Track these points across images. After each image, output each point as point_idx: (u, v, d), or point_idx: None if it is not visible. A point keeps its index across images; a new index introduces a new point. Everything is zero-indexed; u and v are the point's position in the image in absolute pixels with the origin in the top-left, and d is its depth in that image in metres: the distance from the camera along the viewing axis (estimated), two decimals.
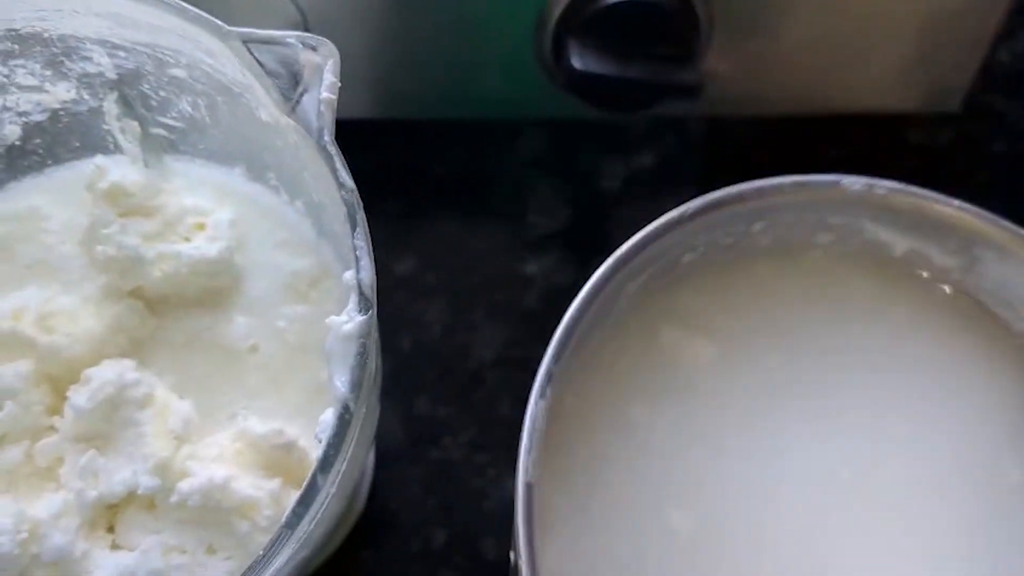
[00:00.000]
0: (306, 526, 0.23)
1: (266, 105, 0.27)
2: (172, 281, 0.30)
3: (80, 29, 0.28)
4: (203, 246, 0.30)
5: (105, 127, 0.31)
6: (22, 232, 0.31)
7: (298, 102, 0.25)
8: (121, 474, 0.27)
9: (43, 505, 0.27)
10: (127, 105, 0.30)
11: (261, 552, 0.23)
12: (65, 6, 0.27)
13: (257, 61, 0.25)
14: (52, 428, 0.29)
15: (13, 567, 0.26)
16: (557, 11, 0.40)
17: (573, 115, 0.45)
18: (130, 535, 0.28)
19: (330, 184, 0.25)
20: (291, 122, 0.26)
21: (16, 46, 0.28)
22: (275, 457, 0.29)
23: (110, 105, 0.30)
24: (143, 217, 0.31)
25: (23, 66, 0.29)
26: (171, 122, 0.31)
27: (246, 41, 0.25)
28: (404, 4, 0.38)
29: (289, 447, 0.28)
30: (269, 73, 0.25)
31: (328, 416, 0.25)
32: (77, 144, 0.32)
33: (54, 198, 0.32)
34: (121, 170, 0.31)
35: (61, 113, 0.31)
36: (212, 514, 0.27)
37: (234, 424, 0.29)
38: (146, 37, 0.28)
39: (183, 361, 0.30)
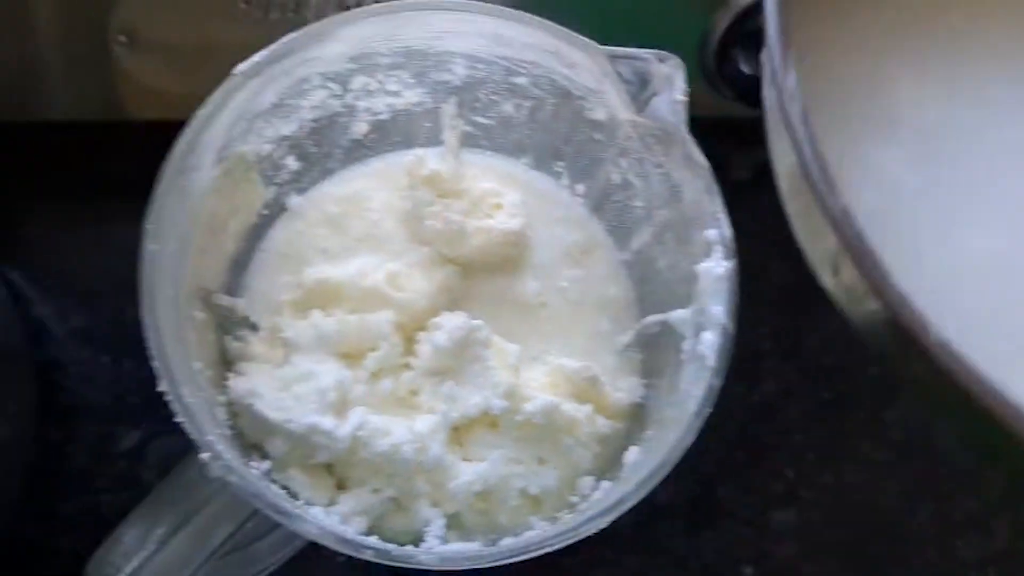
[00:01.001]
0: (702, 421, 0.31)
1: (609, 106, 0.34)
2: (483, 250, 0.38)
3: (459, 46, 0.35)
4: (507, 221, 0.38)
5: (427, 124, 0.38)
6: (352, 211, 0.38)
7: (647, 103, 0.33)
8: (474, 399, 0.35)
9: (421, 423, 0.34)
10: (459, 107, 0.37)
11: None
12: (459, 28, 0.34)
13: (616, 72, 0.33)
14: (407, 366, 0.36)
15: (407, 470, 0.33)
16: (721, 28, 0.48)
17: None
18: (476, 449, 0.35)
19: (678, 165, 0.33)
20: (632, 119, 0.33)
21: (403, 60, 0.35)
22: (582, 388, 0.36)
23: (449, 107, 0.37)
24: (454, 199, 0.38)
25: (396, 76, 0.36)
26: (484, 120, 0.38)
27: (611, 56, 0.33)
28: None
29: (594, 380, 0.36)
30: (624, 81, 0.33)
31: (710, 336, 0.32)
32: (398, 139, 0.39)
33: (370, 183, 0.39)
34: (434, 160, 0.38)
35: (401, 113, 0.38)
36: (546, 431, 0.35)
37: (541, 362, 0.37)
38: (510, 52, 0.35)
39: (492, 315, 0.37)
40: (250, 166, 0.34)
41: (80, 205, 0.53)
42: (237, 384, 0.33)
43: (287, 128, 0.35)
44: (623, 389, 0.37)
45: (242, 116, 0.31)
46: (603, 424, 0.35)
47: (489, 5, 0.33)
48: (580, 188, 0.40)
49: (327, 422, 0.31)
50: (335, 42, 0.33)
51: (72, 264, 0.51)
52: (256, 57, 0.31)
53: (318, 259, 0.37)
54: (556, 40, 0.33)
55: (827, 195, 0.21)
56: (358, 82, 0.36)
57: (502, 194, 0.38)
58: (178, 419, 0.27)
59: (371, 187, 0.39)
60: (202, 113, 0.30)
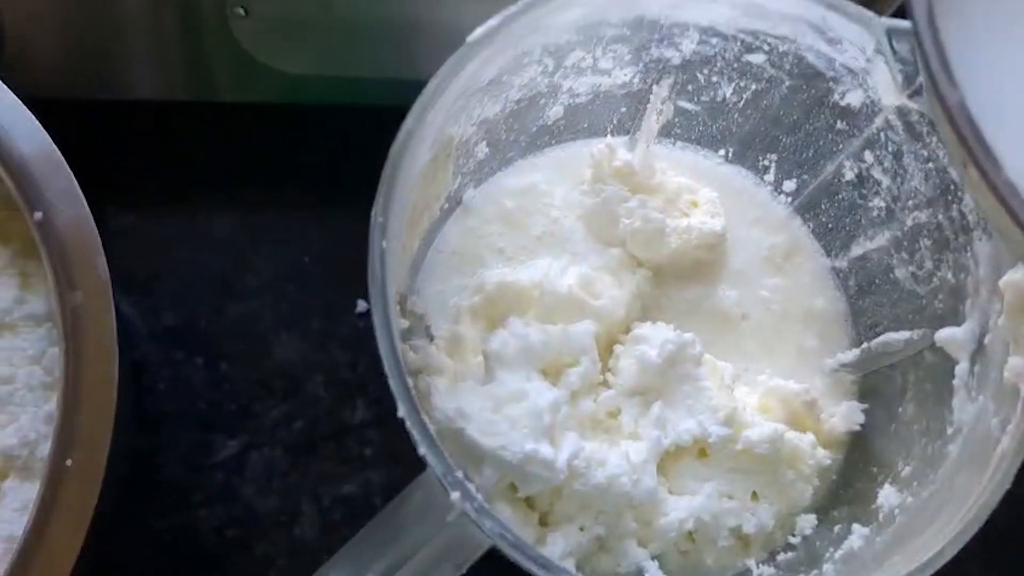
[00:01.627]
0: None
1: (870, 89, 0.30)
2: (677, 253, 0.33)
3: (699, 17, 0.31)
4: (708, 221, 0.34)
5: (623, 110, 0.34)
6: (530, 206, 0.34)
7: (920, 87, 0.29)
8: (687, 423, 0.31)
9: (635, 452, 0.30)
10: (671, 89, 0.33)
11: None
12: None
13: (892, 50, 0.28)
14: (604, 383, 0.32)
15: (619, 505, 0.29)
16: None
17: None
18: (682, 481, 0.31)
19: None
20: (904, 104, 0.29)
21: (629, 32, 0.31)
22: (798, 413, 0.32)
23: (661, 89, 0.33)
24: (647, 194, 0.34)
25: (614, 52, 0.32)
26: (689, 107, 0.34)
27: (891, 31, 0.28)
28: None
29: (812, 404, 0.32)
30: (899, 60, 0.28)
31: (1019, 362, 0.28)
32: (584, 125, 0.35)
33: (547, 176, 0.35)
34: (624, 150, 0.34)
35: (601, 96, 0.33)
36: (766, 463, 0.31)
37: (750, 383, 0.33)
38: (761, 25, 0.31)
39: (687, 327, 0.33)
40: (451, 153, 0.30)
41: (166, 193, 0.49)
42: (443, 403, 0.28)
43: (493, 109, 0.30)
44: (839, 414, 0.32)
45: (463, 92, 0.27)
46: (823, 455, 0.31)
47: None
48: (789, 185, 0.35)
49: (546, 450, 0.27)
50: (573, 6, 0.29)
51: (160, 257, 0.47)
52: (491, 21, 0.27)
53: (494, 259, 0.33)
54: (826, 11, 0.29)
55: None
56: (573, 57, 0.31)
57: (697, 190, 0.34)
58: (421, 451, 0.23)
59: (550, 179, 0.35)
60: (431, 87, 0.25)
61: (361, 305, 0.47)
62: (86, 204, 0.34)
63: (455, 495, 0.22)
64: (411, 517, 0.24)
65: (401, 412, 0.22)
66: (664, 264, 0.33)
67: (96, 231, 0.34)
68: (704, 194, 0.34)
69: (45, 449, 0.36)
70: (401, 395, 0.22)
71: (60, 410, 0.32)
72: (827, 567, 0.28)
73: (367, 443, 0.46)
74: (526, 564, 0.22)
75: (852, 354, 0.33)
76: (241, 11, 0.40)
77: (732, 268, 0.34)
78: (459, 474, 0.23)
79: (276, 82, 0.45)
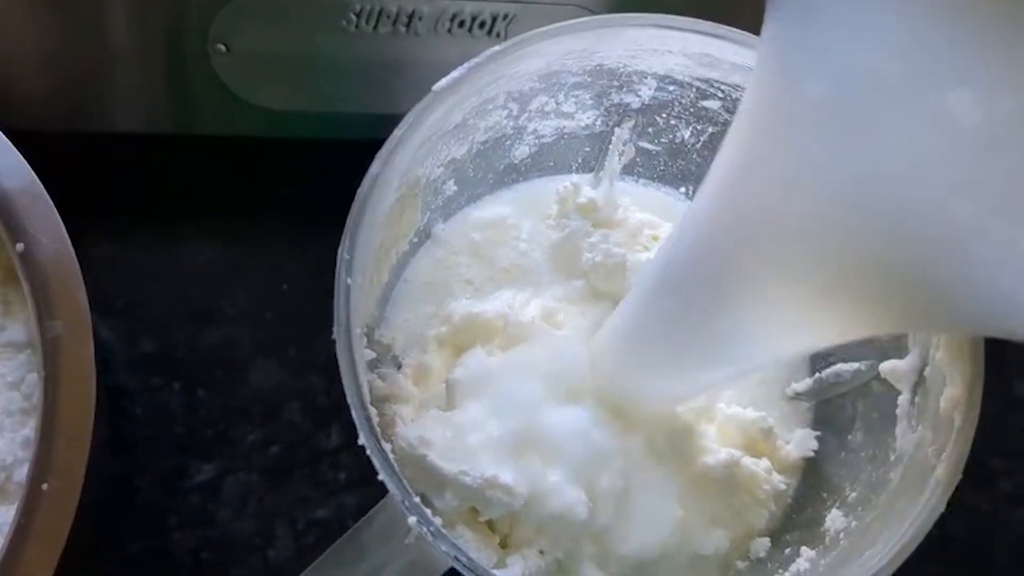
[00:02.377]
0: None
1: None
2: None
3: (655, 66, 0.32)
4: None
5: (586, 149, 0.35)
6: (497, 238, 0.35)
7: None
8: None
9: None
10: (632, 131, 0.35)
11: None
12: (662, 47, 0.31)
13: None
14: None
15: (575, 532, 0.30)
16: None
17: None
18: (643, 505, 0.32)
19: None
20: None
21: (590, 79, 0.32)
22: (754, 440, 0.33)
23: (623, 131, 0.34)
24: (610, 229, 0.35)
25: (576, 97, 0.33)
26: (650, 147, 0.35)
27: None
28: None
29: (768, 432, 0.33)
30: None
31: (953, 392, 0.29)
32: (550, 164, 0.36)
33: (515, 210, 0.36)
34: (589, 187, 0.35)
35: (565, 137, 0.35)
36: (723, 487, 0.32)
37: (710, 412, 0.34)
38: (714, 74, 0.32)
39: None
40: (418, 192, 0.31)
41: (147, 223, 0.50)
42: (406, 432, 0.29)
43: (460, 150, 0.32)
44: (793, 441, 0.34)
45: (430, 137, 0.28)
46: (778, 480, 0.32)
47: (705, 23, 0.30)
48: None
49: (506, 476, 0.28)
50: (533, 57, 0.30)
51: (140, 286, 0.48)
52: (455, 73, 0.28)
53: (462, 290, 0.34)
54: None
55: None
56: (537, 102, 0.33)
57: (659, 225, 0.36)
58: (381, 477, 0.24)
59: (517, 213, 0.36)
60: (397, 133, 0.27)
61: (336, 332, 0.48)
62: (67, 237, 0.35)
63: (412, 519, 0.24)
64: (374, 539, 0.25)
65: (362, 440, 0.23)
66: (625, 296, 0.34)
67: (76, 263, 0.35)
68: (665, 229, 0.35)
69: (22, 473, 0.36)
70: (362, 425, 0.23)
71: (37, 435, 0.33)
72: None
73: (341, 467, 0.46)
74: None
75: (806, 383, 0.34)
76: (222, 47, 0.42)
77: None
78: (416, 499, 0.24)
79: (256, 117, 0.46)
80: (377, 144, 0.49)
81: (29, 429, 0.37)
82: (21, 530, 0.32)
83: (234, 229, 0.49)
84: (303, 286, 0.49)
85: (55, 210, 0.35)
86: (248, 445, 0.46)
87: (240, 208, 0.50)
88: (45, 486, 0.32)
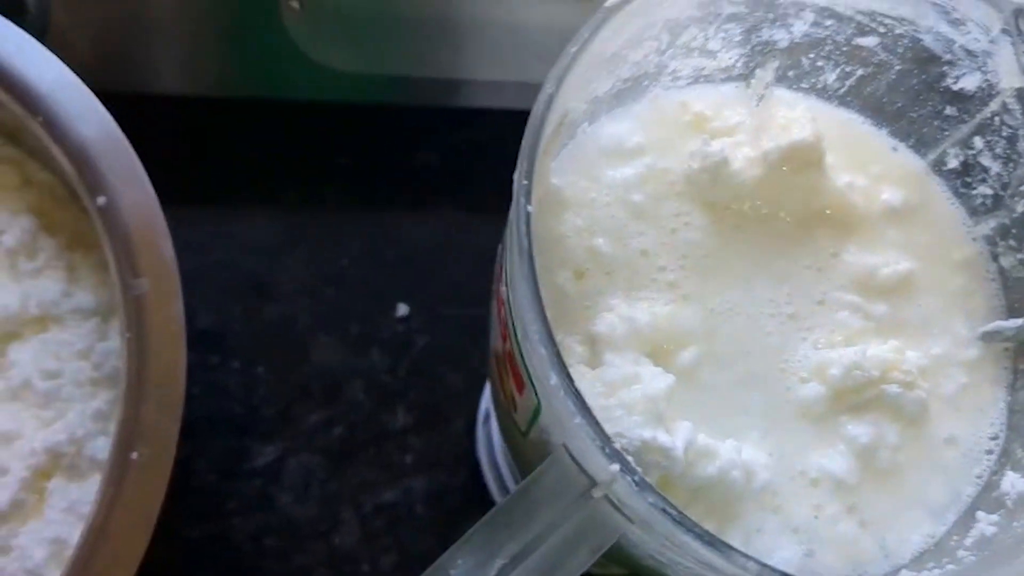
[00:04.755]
0: None
1: (989, 72, 0.29)
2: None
3: None
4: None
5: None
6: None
7: None
8: None
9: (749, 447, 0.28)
10: (774, 73, 0.32)
11: None
12: None
13: (1019, 29, 0.28)
14: None
15: (728, 497, 0.28)
16: None
17: None
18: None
19: None
20: (1019, 85, 0.29)
21: (746, 10, 0.30)
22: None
23: (765, 73, 0.32)
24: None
25: (726, 31, 0.31)
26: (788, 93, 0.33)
27: (1019, 10, 0.28)
28: None
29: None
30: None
31: None
32: None
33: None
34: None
35: (700, 80, 0.32)
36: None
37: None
38: (879, 5, 0.30)
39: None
40: (560, 131, 0.29)
41: (202, 192, 0.47)
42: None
43: (603, 86, 0.29)
44: None
45: (591, 63, 0.26)
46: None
47: None
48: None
49: (663, 437, 0.26)
50: None
51: (195, 259, 0.46)
52: None
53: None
54: None
55: None
56: (687, 35, 0.30)
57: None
58: (576, 421, 0.21)
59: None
60: (571, 50, 0.24)
61: (401, 309, 0.46)
62: (151, 187, 0.33)
63: (614, 467, 0.21)
64: (544, 497, 0.22)
65: (553, 382, 0.21)
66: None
67: (162, 214, 0.32)
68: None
69: (93, 447, 0.34)
70: (554, 364, 0.21)
71: (124, 402, 0.31)
72: (961, 554, 0.27)
73: (408, 449, 0.44)
74: (691, 543, 0.21)
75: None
76: (296, 4, 0.40)
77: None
78: (616, 445, 0.22)
79: (324, 79, 0.44)
80: (450, 112, 0.47)
81: (100, 401, 0.35)
82: (108, 502, 0.30)
83: (293, 199, 0.47)
84: (365, 260, 0.47)
85: (138, 161, 0.33)
86: (310, 426, 0.44)
87: (298, 178, 0.48)
88: (135, 455, 0.30)
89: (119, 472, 0.30)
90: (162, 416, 0.31)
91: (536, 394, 0.23)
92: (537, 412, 0.23)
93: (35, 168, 0.38)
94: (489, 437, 0.42)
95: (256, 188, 0.47)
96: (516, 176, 0.21)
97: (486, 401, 0.43)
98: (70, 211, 0.37)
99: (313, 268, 0.46)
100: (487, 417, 0.42)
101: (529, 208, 0.22)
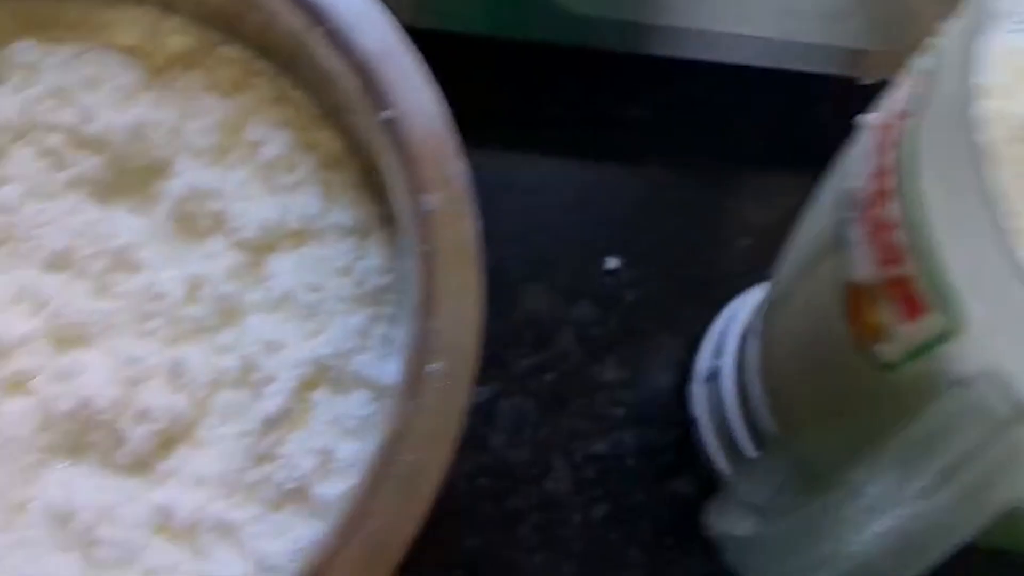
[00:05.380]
0: None
1: None
2: None
3: None
4: None
5: None
6: None
7: None
8: None
9: None
10: None
11: None
12: None
13: None
14: None
15: None
16: None
17: None
18: None
19: None
20: None
21: None
22: None
23: None
24: None
25: None
26: None
27: None
28: None
29: None
30: None
31: None
32: None
33: None
34: None
35: None
36: None
37: None
38: None
39: None
40: None
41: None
42: None
43: None
44: None
45: None
46: None
47: None
48: None
49: None
50: None
51: None
52: None
53: None
54: None
55: None
56: None
57: None
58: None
59: None
60: None
61: (610, 262, 0.45)
62: (442, 102, 0.32)
63: None
64: (962, 423, 0.21)
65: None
66: None
67: (452, 131, 0.32)
68: None
69: (357, 362, 0.34)
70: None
71: (415, 316, 0.30)
72: None
73: (618, 403, 0.44)
74: None
75: None
76: None
77: None
78: None
79: (553, 20, 0.43)
80: (666, 63, 0.46)
81: (361, 317, 0.34)
82: (407, 414, 0.29)
83: (507, 141, 0.47)
84: (577, 210, 0.46)
85: (426, 75, 0.32)
86: (522, 370, 0.43)
87: (516, 122, 0.47)
88: (432, 367, 0.29)
89: (415, 385, 0.29)
90: (458, 331, 0.30)
91: (948, 314, 0.22)
92: (941, 339, 0.22)
93: (287, 84, 0.37)
94: (717, 395, 0.41)
95: (471, 131, 0.47)
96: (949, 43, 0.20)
97: (706, 359, 0.42)
98: (324, 130, 0.37)
99: (524, 215, 0.46)
100: (711, 375, 0.41)
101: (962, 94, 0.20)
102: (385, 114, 0.32)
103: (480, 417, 0.42)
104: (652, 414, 0.43)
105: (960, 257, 0.21)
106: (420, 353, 0.30)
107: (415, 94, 0.32)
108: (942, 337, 0.22)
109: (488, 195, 0.46)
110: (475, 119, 0.47)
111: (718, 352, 0.40)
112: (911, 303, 0.23)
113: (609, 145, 0.47)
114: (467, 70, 0.47)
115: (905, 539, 0.20)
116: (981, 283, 0.21)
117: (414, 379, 0.29)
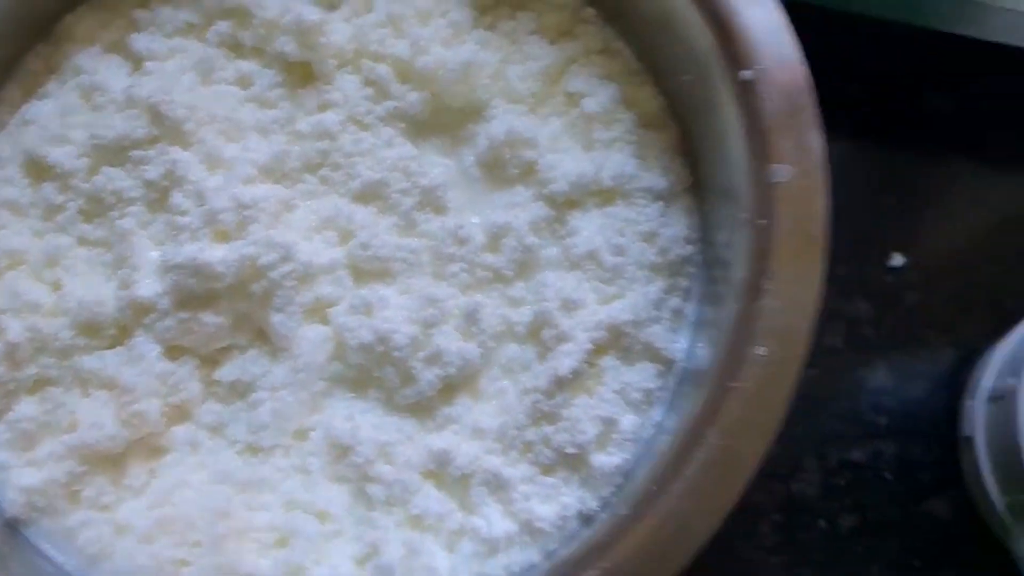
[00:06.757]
0: None
1: None
2: None
3: None
4: None
5: None
6: None
7: None
8: None
9: None
10: None
11: None
12: None
13: None
14: None
15: None
16: None
17: None
18: None
19: None
20: None
21: None
22: None
23: None
24: None
25: None
26: None
27: None
28: None
29: None
30: None
31: None
32: None
33: None
34: None
35: None
36: None
37: None
38: None
39: None
40: None
41: None
42: None
43: None
44: None
45: None
46: None
47: None
48: None
49: None
50: None
51: None
52: None
53: None
54: None
55: None
56: None
57: None
58: None
59: None
60: None
61: (895, 259, 0.43)
62: (805, 69, 0.30)
63: None
64: None
65: None
66: None
67: (813, 101, 0.29)
68: None
69: (649, 333, 0.32)
70: None
71: (743, 294, 0.28)
72: None
73: (882, 411, 0.41)
74: None
75: None
76: None
77: None
78: None
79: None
80: (975, 47, 0.42)
81: (658, 288, 0.33)
82: (722, 397, 0.27)
83: None
84: (863, 201, 0.43)
85: (794, 40, 0.30)
86: None
87: None
88: (761, 351, 0.27)
89: (734, 367, 0.28)
90: (791, 316, 0.28)
91: None
92: None
93: (612, 35, 0.36)
94: (1001, 417, 0.37)
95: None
96: None
97: (993, 377, 0.39)
98: (644, 89, 0.35)
99: None
100: (998, 395, 0.38)
101: None
102: (745, 73, 0.30)
103: None
104: (918, 427, 0.41)
105: None
106: (744, 334, 0.28)
107: (779, 59, 0.30)
108: None
109: None
110: None
111: (1014, 370, 0.37)
112: None
113: (906, 135, 0.44)
114: None
115: None
116: None
117: (734, 360, 0.28)
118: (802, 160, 0.29)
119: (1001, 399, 0.38)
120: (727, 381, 0.28)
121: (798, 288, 0.28)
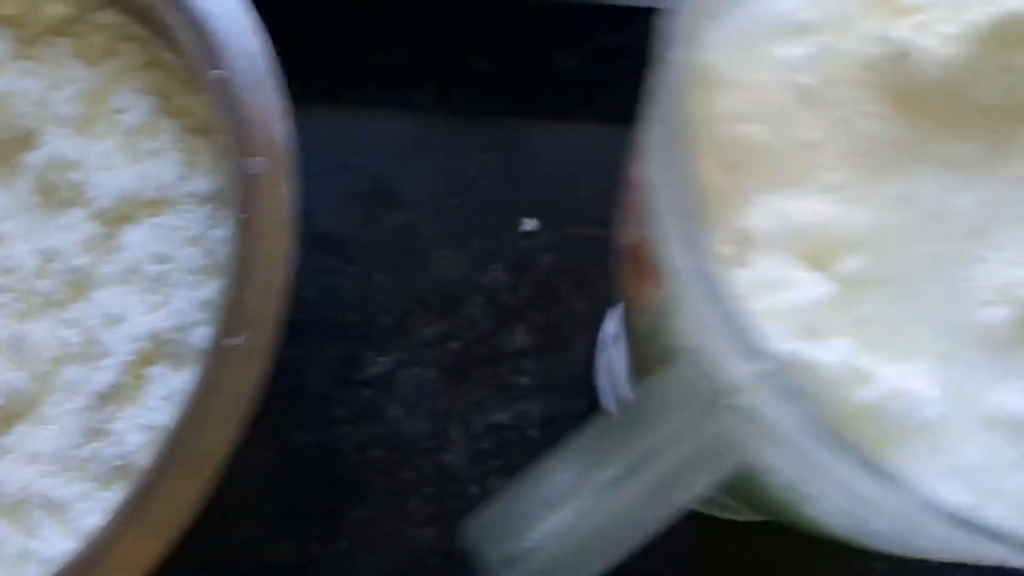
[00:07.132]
0: None
1: None
2: None
3: None
4: None
5: None
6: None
7: None
8: None
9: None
10: None
11: None
12: None
13: None
14: None
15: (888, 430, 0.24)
16: None
17: None
18: None
19: None
20: None
21: None
22: None
23: None
24: None
25: None
26: None
27: None
28: None
29: None
30: None
31: None
32: None
33: None
34: None
35: None
36: None
37: None
38: None
39: None
40: None
41: (327, 89, 0.45)
42: None
43: None
44: None
45: None
46: None
47: None
48: None
49: (815, 352, 0.22)
50: None
51: (318, 157, 0.44)
52: None
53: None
54: None
55: None
56: None
57: None
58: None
59: None
60: None
61: (527, 223, 0.43)
62: (274, 67, 0.31)
63: (758, 366, 0.17)
64: (661, 407, 0.19)
65: (687, 264, 0.17)
66: None
67: (281, 96, 0.30)
68: None
69: (197, 336, 0.33)
70: (691, 242, 0.17)
71: (229, 286, 0.29)
72: None
73: (523, 372, 0.42)
74: (846, 467, 0.17)
75: None
76: None
77: None
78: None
79: None
80: (591, 11, 0.43)
81: (209, 289, 0.33)
82: (204, 388, 0.28)
83: (423, 104, 0.45)
84: (493, 171, 0.44)
85: (261, 38, 0.31)
86: (425, 338, 0.42)
87: (431, 80, 0.45)
88: (235, 340, 0.28)
89: (218, 357, 0.29)
90: (265, 302, 0.29)
91: (665, 287, 0.19)
92: (667, 310, 0.20)
93: (160, 48, 0.37)
94: (611, 364, 0.39)
95: (386, 88, 0.45)
96: (663, 35, 0.18)
97: (611, 325, 0.40)
98: (192, 95, 0.36)
99: (439, 176, 0.44)
100: (612, 342, 0.39)
101: (681, 70, 0.18)
102: (214, 74, 0.31)
103: (378, 388, 0.41)
104: (559, 383, 0.42)
105: (668, 235, 0.19)
106: (226, 326, 0.29)
107: (246, 58, 0.31)
108: (666, 308, 0.20)
109: (402, 156, 0.45)
110: (391, 78, 0.46)
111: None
112: (647, 270, 0.21)
113: (532, 102, 0.45)
114: (379, 27, 0.45)
115: (585, 537, 0.18)
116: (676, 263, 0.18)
117: (216, 354, 0.29)
118: (271, 151, 0.30)
119: (611, 345, 0.39)
120: (209, 374, 0.29)
121: (270, 277, 0.29)
